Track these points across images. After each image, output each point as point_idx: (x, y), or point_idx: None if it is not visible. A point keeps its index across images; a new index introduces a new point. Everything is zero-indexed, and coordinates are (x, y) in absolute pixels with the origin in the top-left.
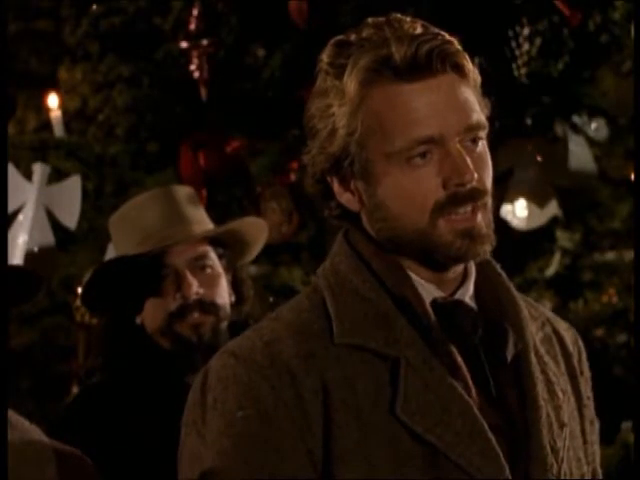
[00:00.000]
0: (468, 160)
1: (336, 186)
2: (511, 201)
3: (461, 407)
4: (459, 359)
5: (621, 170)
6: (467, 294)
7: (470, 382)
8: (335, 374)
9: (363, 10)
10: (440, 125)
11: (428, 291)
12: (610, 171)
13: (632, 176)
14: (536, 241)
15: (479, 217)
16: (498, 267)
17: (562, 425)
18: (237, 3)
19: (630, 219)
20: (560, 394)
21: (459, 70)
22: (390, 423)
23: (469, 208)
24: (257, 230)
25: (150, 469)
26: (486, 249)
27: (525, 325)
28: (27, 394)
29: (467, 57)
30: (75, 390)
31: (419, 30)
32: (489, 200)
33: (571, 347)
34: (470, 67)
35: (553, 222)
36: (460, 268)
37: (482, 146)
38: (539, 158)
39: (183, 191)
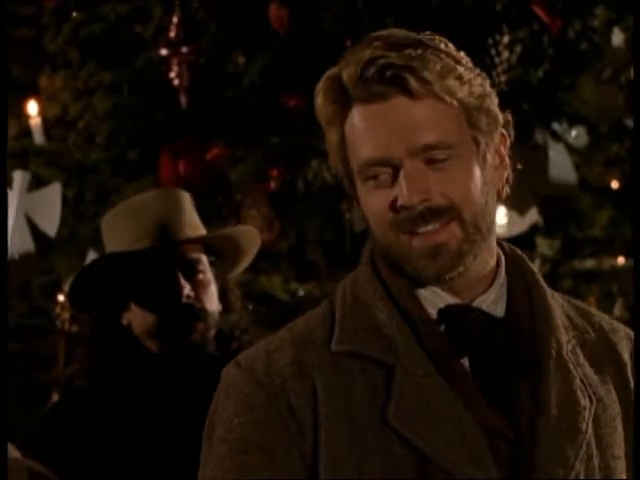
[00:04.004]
0: (420, 181)
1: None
2: None
3: (453, 414)
4: (461, 366)
5: (601, 178)
6: (488, 300)
7: (473, 388)
8: (329, 381)
9: (344, 17)
10: (385, 147)
11: (441, 298)
12: (590, 179)
13: (612, 183)
14: None
15: (445, 234)
16: (536, 272)
17: (579, 433)
18: (217, 10)
19: (610, 227)
20: (585, 401)
21: (409, 91)
22: (382, 429)
23: (431, 226)
24: (250, 239)
25: (136, 475)
26: (453, 265)
27: (552, 332)
28: (8, 402)
29: (430, 75)
30: (56, 398)
31: (377, 52)
32: (467, 214)
33: (626, 356)
34: (429, 86)
35: (533, 229)
36: (472, 275)
37: (451, 164)
38: (519, 165)
39: (180, 195)
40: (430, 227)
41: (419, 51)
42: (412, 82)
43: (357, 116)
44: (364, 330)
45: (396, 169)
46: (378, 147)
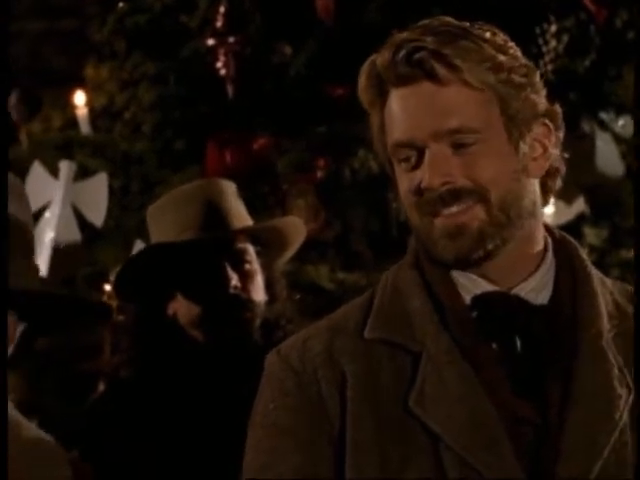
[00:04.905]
0: (443, 164)
1: None
2: None
3: (472, 400)
4: (489, 353)
5: None
6: (527, 287)
7: (498, 375)
8: (358, 368)
9: (390, 8)
10: (411, 130)
11: (477, 285)
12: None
13: None
14: None
15: (468, 216)
16: (584, 257)
17: (611, 421)
18: (263, 0)
19: None
20: (622, 390)
21: (435, 75)
22: (405, 416)
23: (454, 208)
24: (296, 230)
25: (180, 467)
26: (473, 247)
27: (594, 319)
28: (53, 394)
29: (461, 61)
30: (102, 388)
31: (412, 36)
32: (493, 196)
33: None
34: (458, 72)
35: (580, 219)
36: (506, 262)
37: (477, 148)
38: (566, 155)
39: (226, 185)
40: (453, 209)
41: (456, 38)
42: (438, 67)
43: (391, 99)
44: (396, 318)
45: (422, 152)
46: (406, 129)
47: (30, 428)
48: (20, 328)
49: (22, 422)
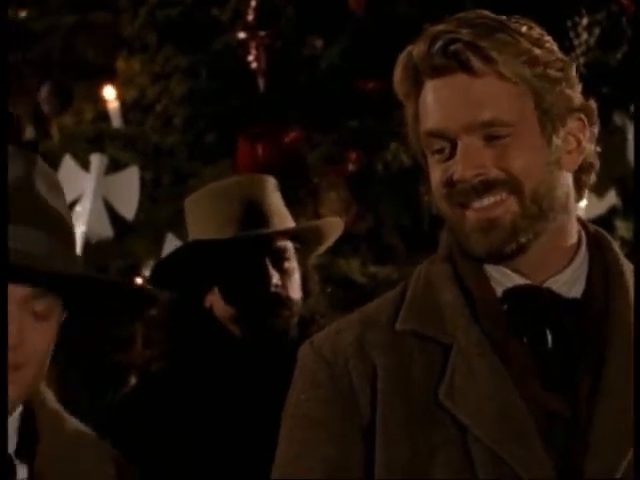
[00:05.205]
0: (476, 156)
1: None
2: None
3: (501, 392)
4: (518, 346)
5: None
6: (560, 281)
7: (528, 368)
8: (389, 360)
9: (422, 1)
10: (443, 121)
11: (509, 279)
12: None
13: None
14: None
15: (501, 209)
16: (617, 250)
17: None
18: None
19: None
20: None
21: (470, 67)
22: (435, 409)
23: (486, 201)
24: (334, 228)
25: (215, 461)
26: (505, 241)
27: (626, 312)
28: (82, 386)
29: (496, 54)
30: (134, 381)
31: (448, 27)
32: (526, 188)
33: None
34: (493, 65)
35: (612, 212)
36: (538, 256)
37: (510, 141)
38: (597, 148)
39: (267, 181)
40: (485, 202)
41: (493, 30)
42: (474, 59)
43: (426, 90)
44: (428, 310)
45: (454, 144)
46: (439, 120)
47: (73, 421)
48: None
49: (64, 414)
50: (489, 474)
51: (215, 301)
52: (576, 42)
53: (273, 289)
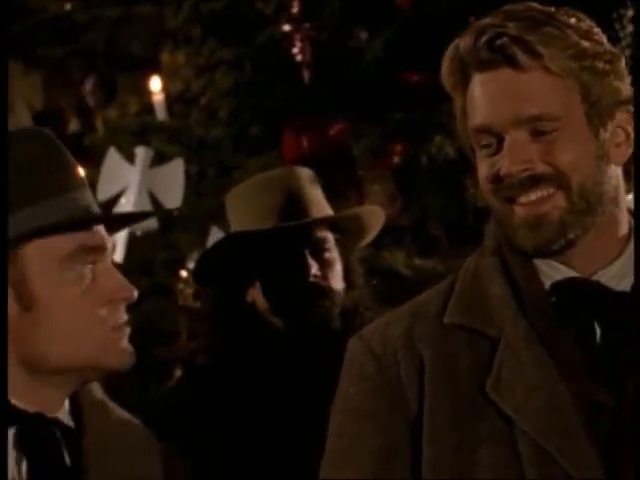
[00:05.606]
0: (523, 151)
1: None
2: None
3: (547, 384)
4: (566, 338)
5: None
6: (609, 274)
7: (574, 360)
8: (436, 352)
9: None
10: (490, 116)
11: (558, 271)
12: None
13: None
14: None
15: (549, 204)
16: None
17: None
18: None
19: None
20: None
21: (516, 61)
22: (482, 402)
23: (533, 195)
24: (375, 218)
25: (260, 454)
26: (554, 238)
27: None
28: (127, 379)
29: (543, 48)
30: (178, 374)
31: (495, 21)
32: (574, 182)
33: None
34: (539, 59)
35: None
36: (587, 249)
37: (557, 136)
38: None
39: (305, 173)
40: (532, 196)
41: (540, 24)
42: (520, 53)
43: (473, 84)
44: (476, 304)
45: (501, 139)
46: (485, 115)
47: (120, 411)
48: None
49: (111, 405)
50: (537, 474)
51: (256, 295)
52: (621, 34)
53: (312, 279)
